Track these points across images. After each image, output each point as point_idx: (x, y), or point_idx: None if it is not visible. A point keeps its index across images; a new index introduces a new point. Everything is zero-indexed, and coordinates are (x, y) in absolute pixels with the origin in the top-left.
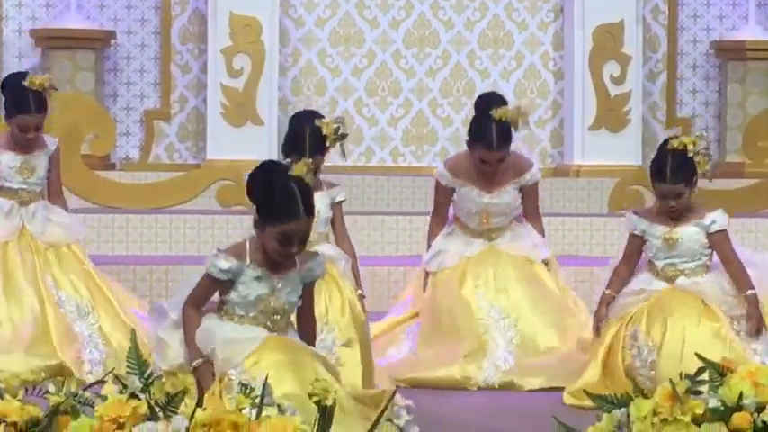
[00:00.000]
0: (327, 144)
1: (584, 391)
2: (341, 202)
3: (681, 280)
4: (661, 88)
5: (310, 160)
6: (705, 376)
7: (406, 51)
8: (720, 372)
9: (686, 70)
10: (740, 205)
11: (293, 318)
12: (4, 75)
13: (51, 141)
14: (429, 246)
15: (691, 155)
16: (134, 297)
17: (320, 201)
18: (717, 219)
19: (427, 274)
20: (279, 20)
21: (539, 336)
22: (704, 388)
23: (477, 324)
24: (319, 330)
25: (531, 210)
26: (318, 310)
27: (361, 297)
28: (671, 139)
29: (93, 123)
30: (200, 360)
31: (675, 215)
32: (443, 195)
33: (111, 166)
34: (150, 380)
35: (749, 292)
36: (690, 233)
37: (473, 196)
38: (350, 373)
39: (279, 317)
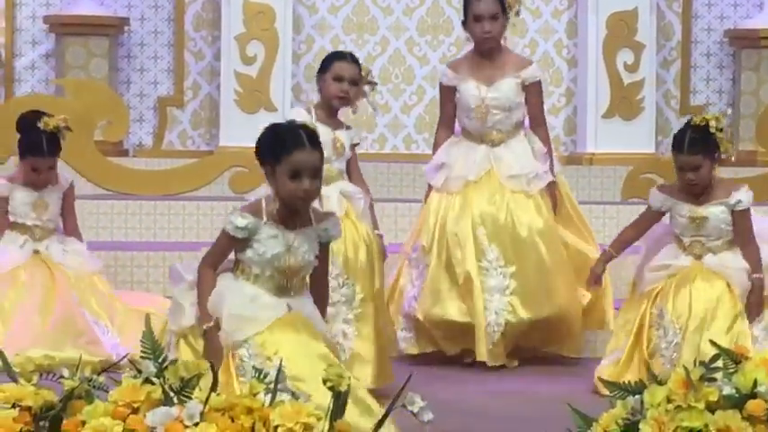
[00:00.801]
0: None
1: (599, 378)
2: (356, 144)
3: (708, 258)
4: (675, 76)
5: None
6: (720, 363)
7: (419, 39)
8: (735, 359)
9: (700, 58)
10: (753, 193)
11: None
12: (19, 62)
13: (65, 179)
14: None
15: (712, 131)
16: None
17: (345, 137)
18: (742, 198)
19: (430, 187)
20: (292, 7)
21: (531, 294)
22: (719, 375)
23: (475, 269)
24: (339, 285)
25: (534, 113)
26: (339, 259)
27: (380, 237)
28: (695, 116)
29: (107, 110)
30: (211, 324)
31: (695, 190)
32: (447, 98)
33: (125, 153)
34: (165, 365)
35: (756, 275)
36: (716, 212)
37: (472, 90)
38: (366, 326)
39: (294, 276)
